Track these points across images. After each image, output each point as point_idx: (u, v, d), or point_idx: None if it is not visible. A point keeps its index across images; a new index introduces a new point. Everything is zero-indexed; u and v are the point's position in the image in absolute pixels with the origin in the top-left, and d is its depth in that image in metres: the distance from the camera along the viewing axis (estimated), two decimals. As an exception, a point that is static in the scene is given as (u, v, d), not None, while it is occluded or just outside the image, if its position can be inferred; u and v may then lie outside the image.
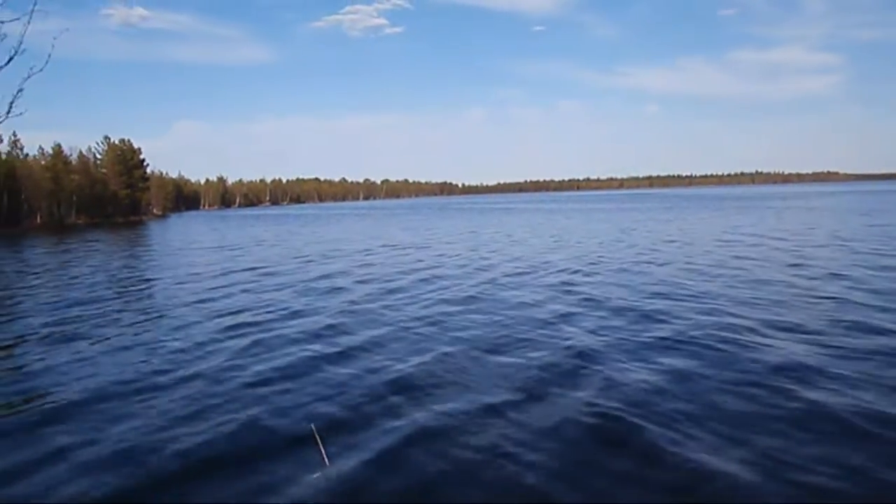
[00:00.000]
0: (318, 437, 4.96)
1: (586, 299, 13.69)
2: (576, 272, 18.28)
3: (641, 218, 50.15)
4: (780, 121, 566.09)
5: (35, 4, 4.83)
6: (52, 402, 7.99)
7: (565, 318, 11.88)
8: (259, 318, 12.96)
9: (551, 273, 18.34)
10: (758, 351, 8.90)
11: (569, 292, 14.73)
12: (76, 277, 22.19)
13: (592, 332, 10.60)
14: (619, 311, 12.19)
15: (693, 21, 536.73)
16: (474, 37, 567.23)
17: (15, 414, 7.61)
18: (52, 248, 40.91)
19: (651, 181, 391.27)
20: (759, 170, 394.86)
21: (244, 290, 17.26)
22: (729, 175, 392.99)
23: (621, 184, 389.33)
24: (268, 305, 14.51)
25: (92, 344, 11.37)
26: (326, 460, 5.07)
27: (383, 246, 31.86)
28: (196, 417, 7.13)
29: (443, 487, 5.33)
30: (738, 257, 20.37)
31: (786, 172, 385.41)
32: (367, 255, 27.23)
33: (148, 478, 5.64)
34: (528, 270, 19.21)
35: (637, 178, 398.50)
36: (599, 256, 22.27)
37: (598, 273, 17.91)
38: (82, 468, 5.95)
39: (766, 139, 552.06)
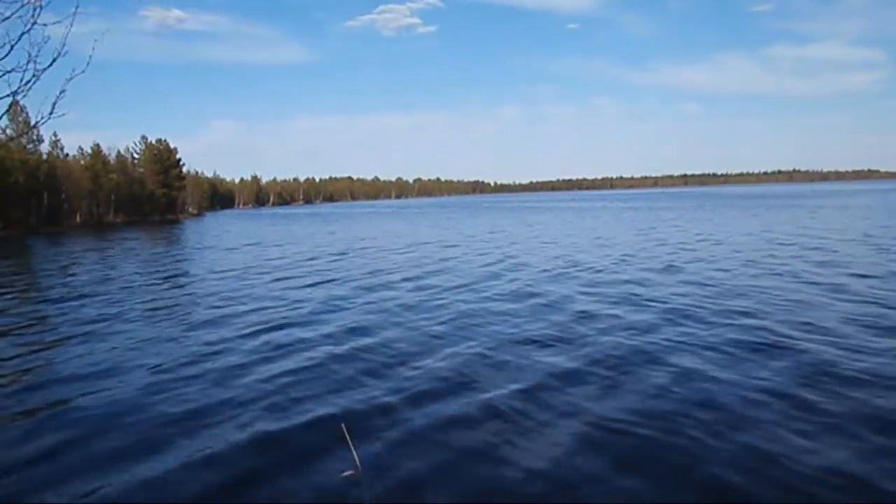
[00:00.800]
0: (348, 436, 4.98)
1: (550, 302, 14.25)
2: (553, 274, 18.75)
3: (670, 217, 50.01)
4: (818, 118, 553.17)
5: (77, 7, 5.28)
6: (84, 386, 8.80)
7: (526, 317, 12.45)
8: (272, 316, 13.74)
9: (529, 275, 18.85)
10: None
11: (531, 295, 15.18)
12: (114, 269, 23.24)
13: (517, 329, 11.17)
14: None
15: (729, 17, 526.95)
16: (507, 35, 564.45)
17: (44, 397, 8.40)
18: (95, 244, 42.27)
19: (686, 180, 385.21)
20: (797, 168, 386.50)
21: (261, 288, 18.16)
22: (766, 173, 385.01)
23: (656, 182, 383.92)
24: (274, 304, 15.38)
25: (125, 338, 12.21)
26: (357, 460, 5.10)
27: (397, 245, 32.57)
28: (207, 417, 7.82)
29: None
30: (735, 254, 20.59)
31: (824, 170, 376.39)
32: (382, 251, 28.12)
33: (177, 474, 5.93)
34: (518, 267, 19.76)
35: (672, 177, 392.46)
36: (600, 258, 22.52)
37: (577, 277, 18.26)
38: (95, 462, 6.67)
39: (804, 136, 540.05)
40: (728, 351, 9.14)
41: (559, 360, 9.01)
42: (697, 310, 12.08)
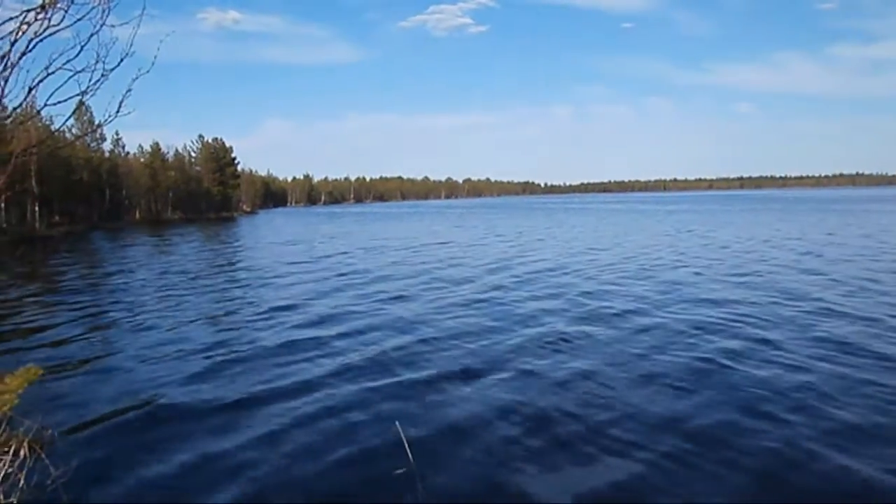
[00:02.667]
0: (402, 434, 5.07)
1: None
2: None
3: (705, 220, 49.03)
4: (884, 119, 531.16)
5: (144, 9, 5.42)
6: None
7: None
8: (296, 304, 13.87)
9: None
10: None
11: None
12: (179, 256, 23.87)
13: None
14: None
15: (790, 15, 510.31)
16: (560, 35, 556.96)
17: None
18: (159, 240, 43.51)
19: (742, 182, 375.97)
20: (861, 171, 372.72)
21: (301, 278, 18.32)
22: (826, 176, 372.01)
23: (710, 185, 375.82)
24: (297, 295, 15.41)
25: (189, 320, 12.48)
26: (411, 458, 5.24)
27: (423, 244, 33.30)
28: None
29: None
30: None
31: (889, 174, 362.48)
32: (413, 250, 28.39)
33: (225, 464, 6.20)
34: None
35: (727, 179, 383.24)
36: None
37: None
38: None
39: (868, 139, 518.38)
40: None
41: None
42: None
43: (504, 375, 8.66)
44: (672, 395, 7.69)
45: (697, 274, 18.28)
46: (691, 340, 10.25)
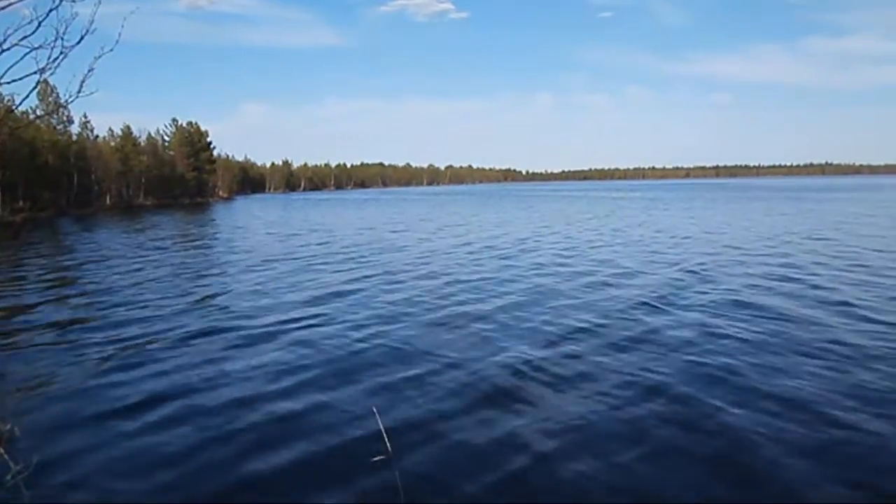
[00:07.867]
0: (379, 419, 5.09)
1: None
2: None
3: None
4: (853, 111, 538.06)
5: None
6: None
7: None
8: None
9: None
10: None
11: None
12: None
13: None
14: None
15: (764, 8, 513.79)
16: (540, 23, 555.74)
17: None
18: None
19: (717, 171, 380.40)
20: (830, 161, 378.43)
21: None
22: (798, 166, 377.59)
23: (687, 173, 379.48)
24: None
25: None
26: (388, 444, 5.19)
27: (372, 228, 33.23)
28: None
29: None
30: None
31: (857, 164, 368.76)
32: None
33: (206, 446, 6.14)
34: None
35: (704, 168, 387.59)
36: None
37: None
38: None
39: (837, 130, 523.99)
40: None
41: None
42: None
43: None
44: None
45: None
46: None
